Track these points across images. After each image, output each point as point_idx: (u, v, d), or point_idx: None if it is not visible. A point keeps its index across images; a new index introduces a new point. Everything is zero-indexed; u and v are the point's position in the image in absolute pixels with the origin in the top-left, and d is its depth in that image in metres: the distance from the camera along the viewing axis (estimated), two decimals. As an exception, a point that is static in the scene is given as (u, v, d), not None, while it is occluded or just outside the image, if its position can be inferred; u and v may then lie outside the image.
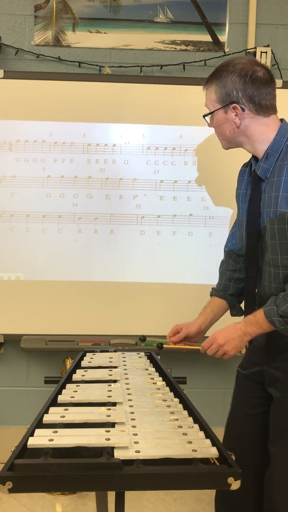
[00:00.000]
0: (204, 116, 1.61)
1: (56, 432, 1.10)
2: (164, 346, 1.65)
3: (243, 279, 1.70)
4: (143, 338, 1.70)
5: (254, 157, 1.58)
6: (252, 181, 1.59)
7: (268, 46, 2.61)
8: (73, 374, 1.51)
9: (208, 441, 1.10)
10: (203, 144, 2.55)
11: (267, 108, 1.52)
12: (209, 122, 1.61)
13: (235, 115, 1.51)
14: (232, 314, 1.77)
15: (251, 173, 1.62)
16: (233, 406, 1.75)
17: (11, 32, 2.62)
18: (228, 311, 1.77)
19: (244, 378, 1.71)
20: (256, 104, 1.51)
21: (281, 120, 1.56)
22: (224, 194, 2.56)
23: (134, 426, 1.15)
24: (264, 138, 1.52)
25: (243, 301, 1.71)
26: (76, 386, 1.41)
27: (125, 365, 1.66)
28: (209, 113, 1.58)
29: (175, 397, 1.37)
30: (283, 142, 1.50)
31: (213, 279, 2.48)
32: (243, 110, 1.50)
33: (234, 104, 1.50)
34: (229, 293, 1.76)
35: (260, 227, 1.55)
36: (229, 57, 2.61)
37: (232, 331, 1.47)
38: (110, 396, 1.32)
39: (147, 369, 1.61)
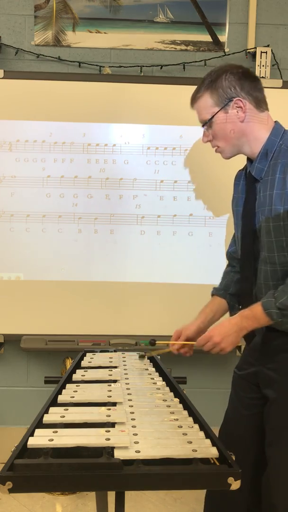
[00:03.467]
0: (203, 126, 1.58)
1: (56, 432, 1.10)
2: (156, 342, 1.65)
3: None
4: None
5: (249, 159, 1.60)
6: (247, 182, 1.60)
7: (268, 46, 2.61)
8: (73, 374, 1.51)
9: (208, 441, 1.10)
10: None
11: (262, 102, 1.55)
12: (207, 133, 1.59)
13: (237, 110, 1.52)
14: (232, 315, 1.75)
15: (246, 177, 1.63)
16: (229, 407, 1.76)
17: (11, 32, 2.62)
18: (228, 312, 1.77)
19: (240, 378, 1.71)
20: (254, 98, 1.53)
21: (275, 121, 1.58)
22: (223, 195, 2.56)
23: (134, 426, 1.15)
24: (260, 135, 1.54)
25: (240, 301, 1.70)
26: (76, 386, 1.41)
27: (125, 365, 1.66)
28: (210, 119, 1.55)
29: (175, 397, 1.37)
30: (276, 142, 1.52)
31: (213, 279, 2.49)
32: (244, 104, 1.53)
33: (237, 98, 1.52)
34: (229, 292, 1.76)
35: (255, 227, 1.56)
36: (229, 57, 2.62)
37: (228, 327, 1.46)
38: (110, 396, 1.32)
39: (147, 369, 1.61)
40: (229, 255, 1.82)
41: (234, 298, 1.75)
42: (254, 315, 1.44)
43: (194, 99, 1.60)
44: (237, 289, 1.74)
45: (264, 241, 1.52)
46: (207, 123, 1.56)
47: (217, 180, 2.55)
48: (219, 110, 1.53)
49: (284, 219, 1.45)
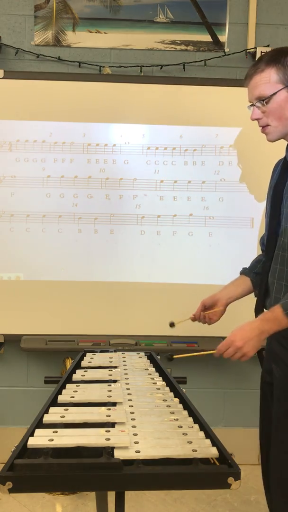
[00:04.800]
0: (262, 100, 1.52)
1: (56, 432, 1.10)
2: (174, 357, 1.62)
3: None
4: (172, 324, 1.67)
5: None
6: (282, 167, 1.61)
7: (268, 46, 2.61)
8: (73, 374, 1.51)
9: (208, 441, 1.10)
10: (207, 143, 2.55)
11: None
12: (263, 109, 1.53)
13: None
14: (256, 294, 1.77)
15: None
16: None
17: (11, 32, 2.62)
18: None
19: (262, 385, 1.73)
20: None
21: None
22: (226, 194, 2.56)
23: (134, 426, 1.15)
24: None
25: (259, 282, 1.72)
26: (76, 386, 1.41)
27: (125, 365, 1.66)
28: (272, 95, 1.49)
29: (175, 397, 1.37)
30: None
31: (213, 279, 2.51)
32: None
33: None
34: (254, 271, 1.78)
35: (281, 212, 1.57)
36: (229, 57, 2.62)
37: (249, 331, 1.41)
38: (110, 396, 1.32)
39: (147, 369, 1.61)
40: (261, 241, 1.82)
41: (258, 277, 1.76)
42: (275, 317, 1.40)
43: (254, 72, 1.53)
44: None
45: (283, 227, 1.54)
46: (265, 99, 1.51)
47: (219, 180, 2.55)
48: (283, 88, 1.49)
49: None
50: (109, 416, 1.18)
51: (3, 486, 0.96)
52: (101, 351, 1.81)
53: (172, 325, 1.66)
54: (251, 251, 2.50)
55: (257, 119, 1.56)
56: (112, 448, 1.03)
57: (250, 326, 1.42)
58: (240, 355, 1.42)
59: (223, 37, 2.65)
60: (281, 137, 1.57)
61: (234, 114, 2.50)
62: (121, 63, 2.64)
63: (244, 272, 1.82)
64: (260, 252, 1.85)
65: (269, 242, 1.64)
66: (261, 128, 1.58)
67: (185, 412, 1.26)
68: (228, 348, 1.42)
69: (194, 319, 1.79)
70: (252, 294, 1.81)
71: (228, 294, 1.78)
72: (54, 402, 1.30)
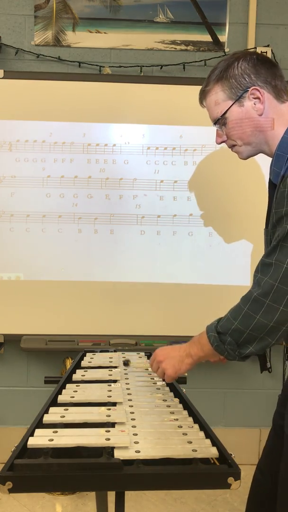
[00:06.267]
0: (215, 124, 1.39)
1: (56, 432, 1.10)
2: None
3: None
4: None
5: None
6: (269, 185, 1.37)
7: (268, 46, 2.61)
8: (73, 374, 1.52)
9: (208, 441, 1.10)
10: (205, 144, 2.55)
11: (282, 91, 1.34)
12: (221, 132, 1.39)
13: (254, 102, 1.32)
14: None
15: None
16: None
17: (11, 32, 2.62)
18: None
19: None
20: (272, 86, 1.33)
21: None
22: (222, 195, 2.56)
23: (134, 426, 1.15)
24: (279, 132, 1.32)
25: None
26: (76, 386, 1.41)
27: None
28: (223, 114, 1.35)
29: (175, 397, 1.37)
30: None
31: (213, 279, 2.51)
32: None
33: (253, 87, 1.31)
34: None
35: None
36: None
37: (174, 349, 1.33)
38: (110, 396, 1.32)
39: (147, 369, 1.61)
40: None
41: None
42: (199, 339, 1.28)
43: (202, 94, 1.40)
44: None
45: None
46: (219, 121, 1.37)
47: (218, 180, 2.55)
48: (233, 104, 1.33)
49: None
50: (109, 416, 1.18)
51: (3, 486, 0.96)
52: (101, 351, 1.81)
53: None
54: (251, 251, 2.50)
55: (223, 142, 1.42)
56: (112, 448, 1.03)
57: (179, 346, 1.33)
58: (161, 371, 1.34)
59: (223, 37, 2.66)
60: (254, 154, 1.40)
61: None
62: (121, 63, 2.64)
63: None
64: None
65: None
66: (230, 148, 1.43)
67: (185, 412, 1.26)
68: (153, 362, 1.37)
69: None
70: None
71: None
72: (54, 402, 1.30)
